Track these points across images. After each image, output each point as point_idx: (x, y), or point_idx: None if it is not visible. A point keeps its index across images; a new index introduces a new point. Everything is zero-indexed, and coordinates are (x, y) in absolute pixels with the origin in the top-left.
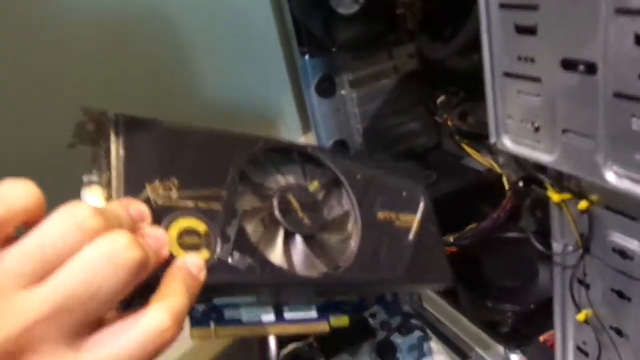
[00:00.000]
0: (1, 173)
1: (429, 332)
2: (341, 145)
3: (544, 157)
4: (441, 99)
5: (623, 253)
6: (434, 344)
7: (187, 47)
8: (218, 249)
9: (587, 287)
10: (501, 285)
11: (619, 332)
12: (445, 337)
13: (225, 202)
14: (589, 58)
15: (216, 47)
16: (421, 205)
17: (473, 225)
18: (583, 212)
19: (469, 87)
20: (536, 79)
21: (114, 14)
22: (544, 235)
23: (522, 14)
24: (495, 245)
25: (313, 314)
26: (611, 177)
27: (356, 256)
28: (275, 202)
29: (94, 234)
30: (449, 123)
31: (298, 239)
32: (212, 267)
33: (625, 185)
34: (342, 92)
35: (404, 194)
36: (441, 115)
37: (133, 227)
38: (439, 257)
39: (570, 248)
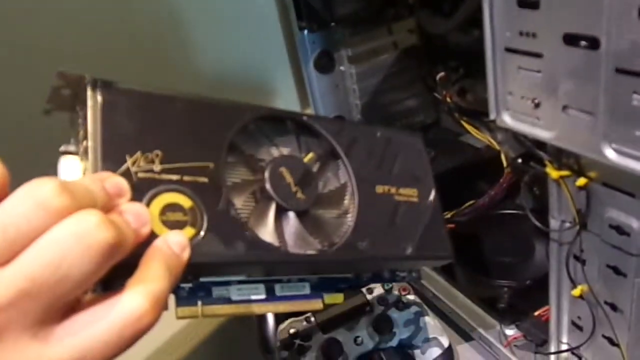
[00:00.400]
0: None
1: (425, 307)
2: None
3: (544, 134)
4: (440, 75)
5: (620, 229)
6: (430, 319)
7: (185, 21)
8: (204, 225)
9: (583, 263)
10: (498, 261)
11: (613, 308)
12: (441, 313)
13: (213, 175)
14: (592, 33)
15: (214, 20)
16: (426, 178)
17: (471, 202)
18: (581, 188)
19: (469, 63)
20: (538, 55)
21: None
22: (542, 211)
23: None
24: (492, 222)
25: (306, 291)
26: (611, 153)
27: (352, 232)
28: (267, 175)
29: (61, 214)
30: (448, 100)
31: (291, 214)
32: (198, 244)
33: (624, 162)
34: (341, 68)
35: (406, 166)
36: (440, 92)
37: (109, 204)
38: (439, 232)
39: (568, 224)
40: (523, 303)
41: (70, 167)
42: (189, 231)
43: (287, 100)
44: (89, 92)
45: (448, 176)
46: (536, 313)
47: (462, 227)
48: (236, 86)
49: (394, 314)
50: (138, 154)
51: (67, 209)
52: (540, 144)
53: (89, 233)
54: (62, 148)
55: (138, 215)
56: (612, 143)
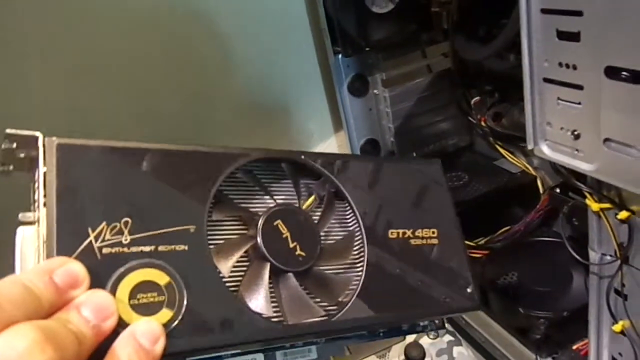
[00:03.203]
0: None
1: (458, 336)
2: (372, 144)
3: (584, 166)
4: (475, 99)
5: None
6: (464, 349)
7: (220, 44)
8: (184, 305)
9: (625, 297)
10: (533, 290)
11: None
12: (475, 342)
13: (194, 240)
14: (635, 66)
15: (249, 44)
16: (447, 213)
17: (506, 228)
18: (623, 222)
19: (504, 87)
20: (578, 87)
21: (151, 11)
22: (580, 241)
23: (564, 19)
24: (527, 249)
25: (312, 355)
26: None
27: (362, 289)
28: (259, 232)
29: None
30: (483, 124)
31: (289, 276)
32: (176, 330)
33: None
34: (375, 91)
35: (423, 202)
36: (475, 116)
37: (59, 301)
38: (463, 278)
39: (608, 258)
40: (560, 335)
41: (28, 240)
42: (165, 315)
43: (320, 123)
44: (41, 155)
45: (482, 201)
46: (574, 346)
47: (496, 253)
48: (270, 109)
49: (426, 343)
50: (103, 224)
51: None
52: (579, 175)
53: None
54: (20, 216)
55: (99, 309)
56: None
